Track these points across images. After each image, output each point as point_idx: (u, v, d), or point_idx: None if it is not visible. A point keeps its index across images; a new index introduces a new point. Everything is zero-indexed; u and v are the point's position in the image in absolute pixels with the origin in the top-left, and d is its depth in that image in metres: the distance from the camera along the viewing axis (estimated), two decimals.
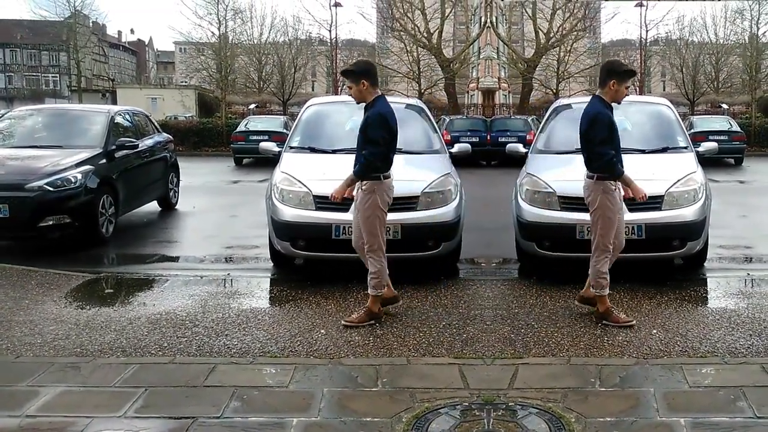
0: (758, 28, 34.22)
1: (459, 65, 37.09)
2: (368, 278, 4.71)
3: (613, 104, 4.72)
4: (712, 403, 3.40)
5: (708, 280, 6.10)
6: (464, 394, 3.51)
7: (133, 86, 57.44)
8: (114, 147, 8.17)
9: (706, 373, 3.82)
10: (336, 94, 36.41)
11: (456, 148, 7.22)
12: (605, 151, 4.53)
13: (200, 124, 27.69)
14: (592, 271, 4.71)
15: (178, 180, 10.92)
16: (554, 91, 37.20)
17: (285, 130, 18.48)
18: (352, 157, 6.48)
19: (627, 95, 4.81)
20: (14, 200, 6.75)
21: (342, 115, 7.47)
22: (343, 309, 5.05)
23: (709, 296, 5.60)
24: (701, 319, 4.82)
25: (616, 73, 4.68)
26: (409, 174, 6.18)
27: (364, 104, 4.77)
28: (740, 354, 4.08)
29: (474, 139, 19.43)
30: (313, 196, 5.64)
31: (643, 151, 6.31)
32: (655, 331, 4.55)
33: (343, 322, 4.65)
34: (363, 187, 4.65)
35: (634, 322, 4.63)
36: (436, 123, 8.36)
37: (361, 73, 4.69)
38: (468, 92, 49.98)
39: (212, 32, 33.96)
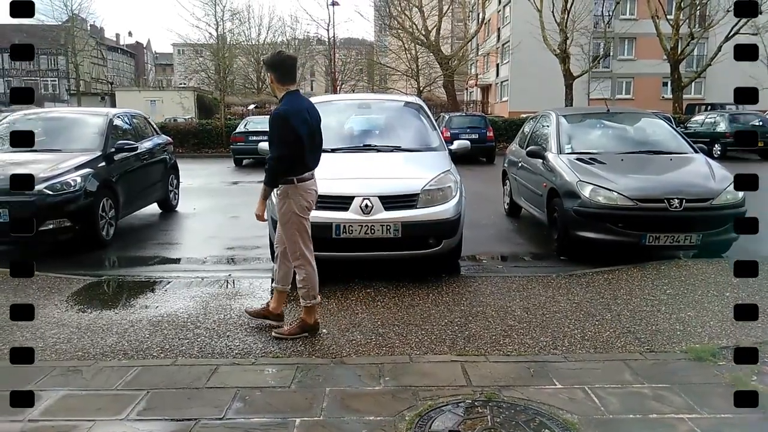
0: None
1: (457, 62, 37.09)
2: (297, 287, 4.47)
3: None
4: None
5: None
6: (467, 392, 3.50)
7: (132, 89, 57.41)
8: (113, 150, 8.18)
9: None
10: (335, 93, 36.42)
11: (455, 145, 7.19)
12: None
13: (199, 126, 27.59)
14: None
15: (178, 182, 10.94)
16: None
17: None
18: (351, 156, 6.52)
19: None
20: (14, 205, 6.74)
21: (341, 114, 7.47)
22: (344, 308, 5.05)
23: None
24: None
25: None
26: (409, 172, 6.17)
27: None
28: None
29: (473, 136, 19.45)
30: None
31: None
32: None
33: (273, 333, 4.43)
34: (278, 191, 4.36)
35: None
36: (435, 120, 8.35)
37: (268, 66, 4.36)
38: (467, 89, 49.78)
39: (210, 33, 34.05)
